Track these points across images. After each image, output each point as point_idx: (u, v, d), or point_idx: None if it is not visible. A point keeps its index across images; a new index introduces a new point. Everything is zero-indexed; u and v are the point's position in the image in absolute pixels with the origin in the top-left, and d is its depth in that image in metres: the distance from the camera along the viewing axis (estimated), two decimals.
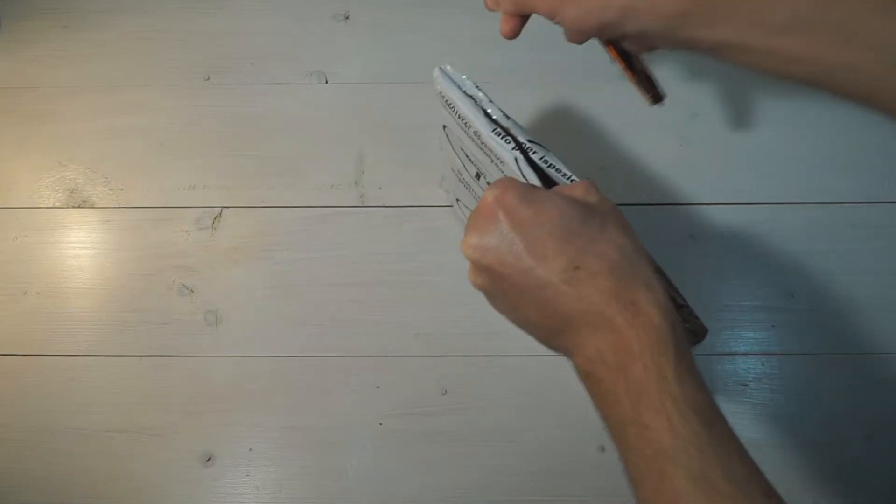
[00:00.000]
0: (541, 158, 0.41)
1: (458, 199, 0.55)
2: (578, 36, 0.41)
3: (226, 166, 0.61)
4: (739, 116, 0.62)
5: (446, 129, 0.49)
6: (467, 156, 0.47)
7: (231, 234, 0.59)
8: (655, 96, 0.46)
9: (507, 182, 0.35)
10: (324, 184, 0.61)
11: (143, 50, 0.65)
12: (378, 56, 0.65)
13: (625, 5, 0.37)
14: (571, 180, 0.41)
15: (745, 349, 0.56)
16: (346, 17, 0.66)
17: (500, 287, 0.35)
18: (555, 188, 0.37)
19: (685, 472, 0.28)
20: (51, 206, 0.61)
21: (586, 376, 0.33)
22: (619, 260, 0.32)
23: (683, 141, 0.61)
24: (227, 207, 0.60)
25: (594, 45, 0.61)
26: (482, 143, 0.43)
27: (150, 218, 0.60)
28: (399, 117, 0.62)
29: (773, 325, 0.56)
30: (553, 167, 0.41)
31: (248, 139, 0.62)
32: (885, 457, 0.53)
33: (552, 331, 0.34)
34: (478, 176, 0.47)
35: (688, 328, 0.46)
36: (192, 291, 0.58)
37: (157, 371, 0.56)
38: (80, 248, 0.59)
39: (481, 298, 0.58)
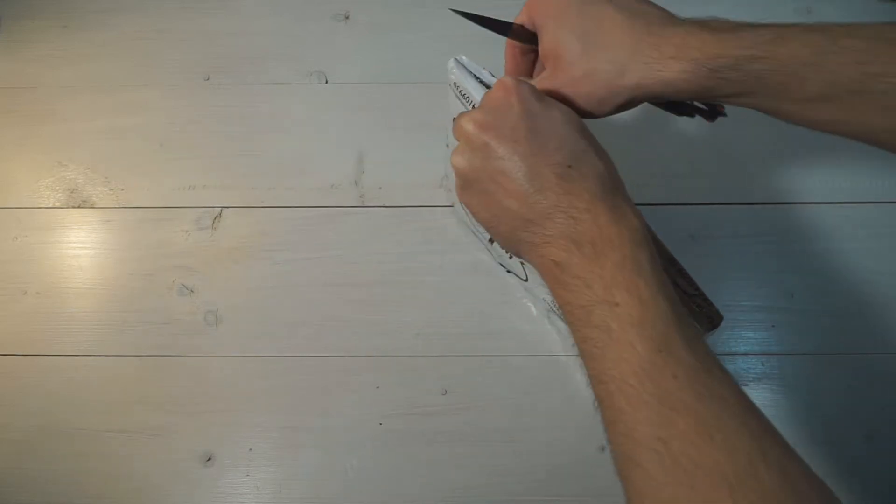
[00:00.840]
0: None
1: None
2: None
3: (226, 166, 0.61)
4: (739, 116, 0.61)
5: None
6: None
7: (231, 234, 0.59)
8: (712, 111, 0.43)
9: (523, 79, 0.37)
10: (324, 184, 0.60)
11: (143, 50, 0.65)
12: (378, 56, 0.65)
13: (636, 84, 0.36)
14: None
15: (745, 349, 0.56)
16: (346, 17, 0.66)
17: (486, 170, 0.36)
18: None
19: (650, 342, 0.30)
20: (51, 206, 0.61)
21: (554, 265, 0.34)
22: (607, 173, 0.35)
23: (683, 141, 0.61)
24: (227, 207, 0.60)
25: None
26: None
27: (150, 218, 0.60)
28: (399, 117, 0.62)
29: (773, 325, 0.56)
30: None
31: (248, 139, 0.62)
32: (885, 457, 0.53)
33: (525, 221, 0.35)
34: None
35: (703, 314, 0.46)
36: (192, 291, 0.58)
37: (157, 371, 0.56)
38: (80, 248, 0.59)
39: (481, 298, 0.58)
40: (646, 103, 0.40)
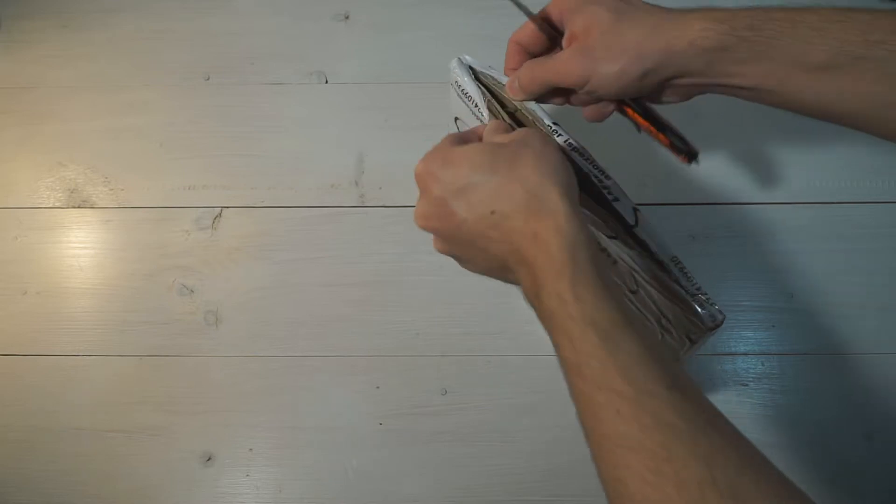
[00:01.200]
0: (565, 141, 0.41)
1: None
2: (617, 94, 0.39)
3: (226, 166, 0.61)
4: (738, 116, 0.62)
5: (458, 121, 0.49)
6: None
7: (231, 234, 0.59)
8: (690, 153, 0.43)
9: (433, 150, 0.39)
10: (324, 184, 0.60)
11: (143, 50, 0.65)
12: (378, 56, 0.65)
13: (664, 47, 0.36)
14: (599, 169, 0.42)
15: (745, 349, 0.56)
16: (346, 17, 0.66)
17: (454, 247, 0.38)
18: (474, 131, 0.40)
19: (591, 383, 0.30)
20: (51, 206, 0.61)
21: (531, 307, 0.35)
22: (527, 197, 0.34)
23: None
24: (227, 207, 0.60)
25: None
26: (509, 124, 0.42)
27: (150, 218, 0.60)
28: (399, 117, 0.62)
29: (773, 325, 0.56)
30: (577, 150, 0.41)
31: (248, 139, 0.62)
32: (885, 457, 0.53)
33: (502, 271, 0.37)
34: None
35: (707, 313, 0.46)
36: (192, 291, 0.58)
37: (157, 371, 0.56)
38: (80, 248, 0.59)
39: (481, 298, 0.59)
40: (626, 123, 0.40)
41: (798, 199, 0.59)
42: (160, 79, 0.64)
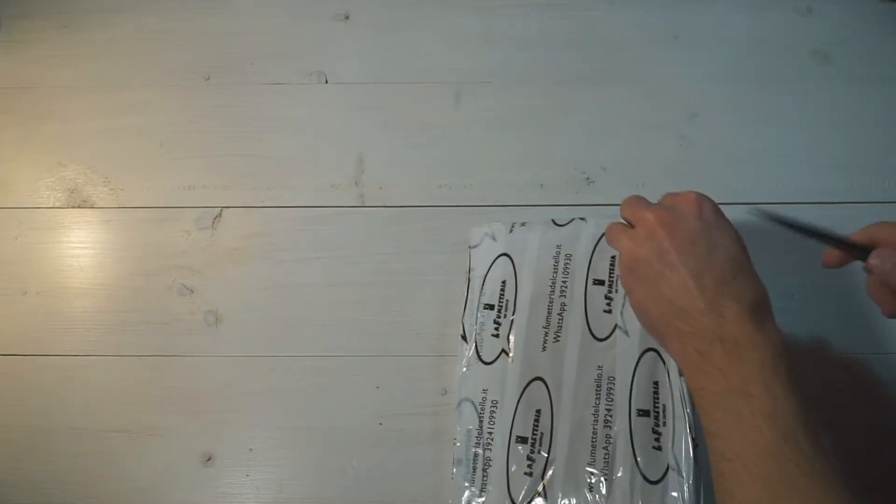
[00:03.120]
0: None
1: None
2: None
3: (226, 166, 0.61)
4: (739, 116, 0.62)
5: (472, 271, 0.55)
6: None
7: (231, 234, 0.59)
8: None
9: (705, 195, 0.43)
10: (324, 184, 0.60)
11: (143, 50, 0.65)
12: (378, 56, 0.65)
13: None
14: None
15: None
16: (346, 17, 0.66)
17: (655, 261, 0.41)
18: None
19: (779, 432, 0.34)
20: (51, 206, 0.61)
21: (696, 353, 0.39)
22: (762, 296, 0.40)
23: (683, 141, 0.61)
24: (227, 207, 0.60)
25: (594, 47, 0.62)
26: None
27: (150, 218, 0.60)
28: (399, 117, 0.62)
29: None
30: None
31: (248, 139, 0.62)
32: (885, 457, 0.52)
33: (680, 311, 0.40)
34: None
35: None
36: (192, 291, 0.58)
37: (157, 371, 0.56)
38: (80, 248, 0.59)
39: None
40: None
41: (798, 198, 0.59)
42: (160, 79, 0.64)
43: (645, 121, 0.61)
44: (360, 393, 0.55)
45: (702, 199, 0.42)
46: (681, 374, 0.45)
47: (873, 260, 0.40)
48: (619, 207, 0.47)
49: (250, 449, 0.54)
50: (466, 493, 0.47)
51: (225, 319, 0.57)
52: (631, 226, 0.45)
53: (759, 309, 0.39)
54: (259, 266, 0.58)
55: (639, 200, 0.45)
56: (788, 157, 0.60)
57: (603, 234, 0.50)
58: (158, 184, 0.61)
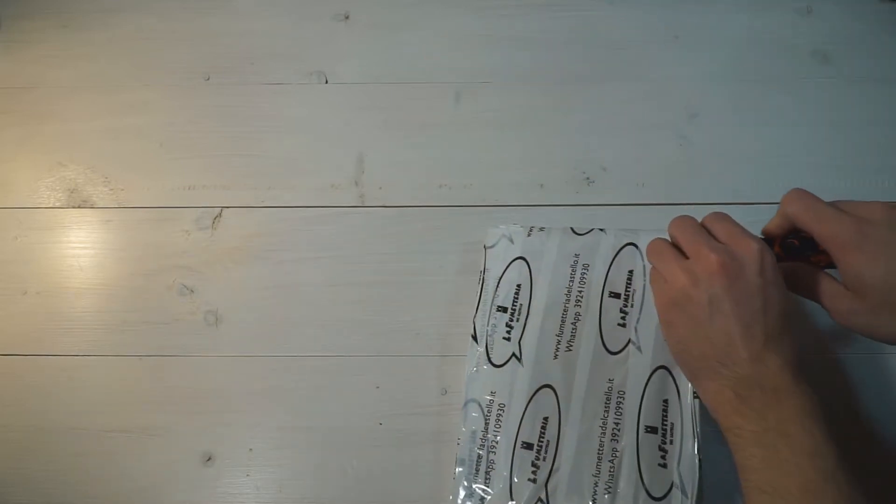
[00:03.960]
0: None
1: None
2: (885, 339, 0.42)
3: (226, 166, 0.61)
4: (739, 116, 0.62)
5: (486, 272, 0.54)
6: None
7: (231, 234, 0.59)
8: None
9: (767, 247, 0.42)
10: (324, 184, 0.61)
11: (143, 50, 0.65)
12: (378, 56, 0.65)
13: None
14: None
15: None
16: (346, 17, 0.66)
17: (706, 303, 0.41)
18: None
19: (819, 471, 0.35)
20: (51, 206, 0.61)
21: (735, 396, 0.39)
22: (798, 354, 0.41)
23: (683, 141, 0.61)
24: (227, 207, 0.60)
25: (594, 47, 0.62)
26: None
27: (150, 218, 0.60)
28: (399, 117, 0.62)
29: None
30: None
31: (248, 139, 0.62)
32: (885, 457, 0.52)
33: (723, 355, 0.40)
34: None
35: None
36: (192, 291, 0.58)
37: (157, 371, 0.56)
38: (80, 248, 0.59)
39: None
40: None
41: None
42: (160, 79, 0.64)
43: (645, 121, 0.61)
44: (360, 393, 0.55)
45: (764, 251, 0.41)
46: (695, 396, 0.46)
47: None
48: (666, 225, 0.46)
49: (250, 449, 0.54)
50: (467, 494, 0.47)
51: (225, 319, 0.57)
52: (680, 250, 0.43)
53: (798, 366, 0.40)
54: (259, 266, 0.58)
55: (698, 231, 0.43)
56: (788, 157, 0.60)
57: (622, 247, 0.50)
58: (158, 184, 0.61)
